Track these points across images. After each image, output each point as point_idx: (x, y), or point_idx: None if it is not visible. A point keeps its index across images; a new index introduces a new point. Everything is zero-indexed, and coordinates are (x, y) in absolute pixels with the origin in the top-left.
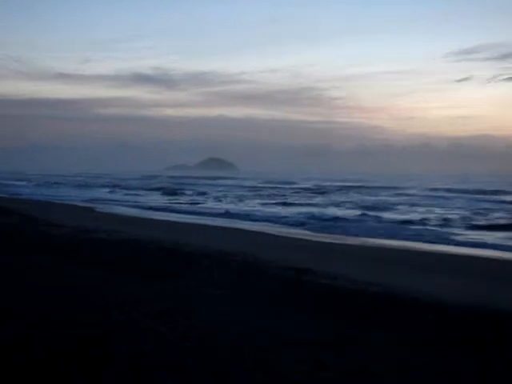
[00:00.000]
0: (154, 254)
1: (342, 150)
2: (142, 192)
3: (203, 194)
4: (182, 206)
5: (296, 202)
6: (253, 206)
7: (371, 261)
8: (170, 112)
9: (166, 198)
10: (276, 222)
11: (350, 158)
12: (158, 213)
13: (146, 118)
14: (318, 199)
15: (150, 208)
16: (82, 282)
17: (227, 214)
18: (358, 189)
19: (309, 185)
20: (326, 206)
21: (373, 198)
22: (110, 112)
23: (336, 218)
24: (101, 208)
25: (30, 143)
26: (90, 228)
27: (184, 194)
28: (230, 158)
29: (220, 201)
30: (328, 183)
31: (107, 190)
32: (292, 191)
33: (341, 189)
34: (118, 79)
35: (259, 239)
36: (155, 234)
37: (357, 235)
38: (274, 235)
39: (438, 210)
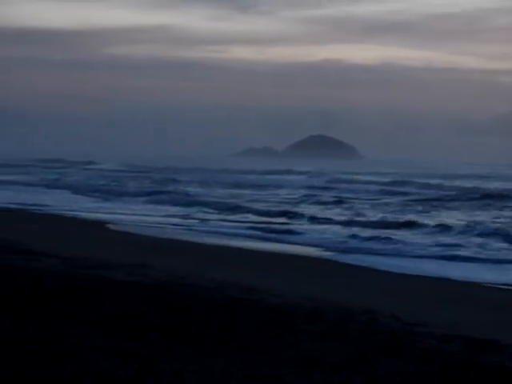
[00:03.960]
0: (213, 309)
1: None
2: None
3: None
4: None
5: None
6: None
7: None
8: (240, 52)
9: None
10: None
11: None
12: (210, 236)
13: (195, 62)
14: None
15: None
16: (94, 357)
17: (345, 248)
18: None
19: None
20: None
21: None
22: (127, 51)
23: None
24: (114, 224)
25: None
26: (98, 260)
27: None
28: (347, 137)
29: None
30: None
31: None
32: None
33: None
34: None
35: (400, 285)
36: (211, 271)
37: None
38: (434, 280)
39: None
